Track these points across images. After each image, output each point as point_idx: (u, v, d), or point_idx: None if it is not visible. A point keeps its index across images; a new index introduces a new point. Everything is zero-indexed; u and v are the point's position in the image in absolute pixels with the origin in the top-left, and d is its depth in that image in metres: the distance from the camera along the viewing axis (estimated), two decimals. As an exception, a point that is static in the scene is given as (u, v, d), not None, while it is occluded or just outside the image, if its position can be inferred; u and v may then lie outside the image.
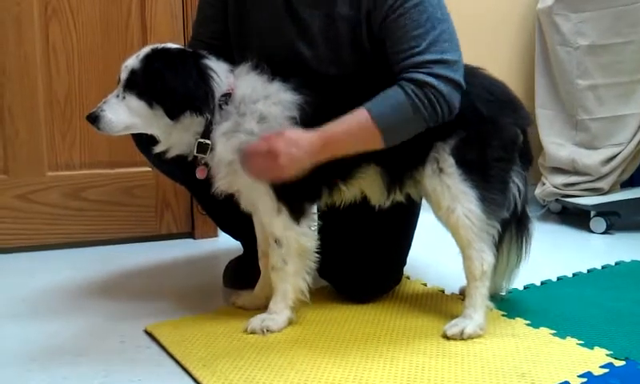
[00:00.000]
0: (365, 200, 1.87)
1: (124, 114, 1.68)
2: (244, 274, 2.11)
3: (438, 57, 1.67)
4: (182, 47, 1.85)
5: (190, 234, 2.87)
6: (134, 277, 2.35)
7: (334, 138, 1.66)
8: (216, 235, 2.86)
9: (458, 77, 1.68)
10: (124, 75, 1.70)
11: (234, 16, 1.91)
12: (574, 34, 3.08)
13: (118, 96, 1.70)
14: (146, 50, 1.73)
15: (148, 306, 1.99)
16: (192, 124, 1.72)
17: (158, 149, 1.78)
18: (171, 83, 1.67)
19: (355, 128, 1.66)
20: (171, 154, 1.78)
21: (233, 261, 2.23)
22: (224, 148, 1.72)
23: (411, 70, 1.67)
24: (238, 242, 2.29)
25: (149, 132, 1.75)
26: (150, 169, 2.69)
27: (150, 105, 1.68)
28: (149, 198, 2.78)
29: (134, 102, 1.68)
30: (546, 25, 3.19)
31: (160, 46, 1.75)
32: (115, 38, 2.67)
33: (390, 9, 1.70)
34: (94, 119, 1.67)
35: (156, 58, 1.70)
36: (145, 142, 1.86)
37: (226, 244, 2.66)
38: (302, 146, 1.64)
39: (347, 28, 1.78)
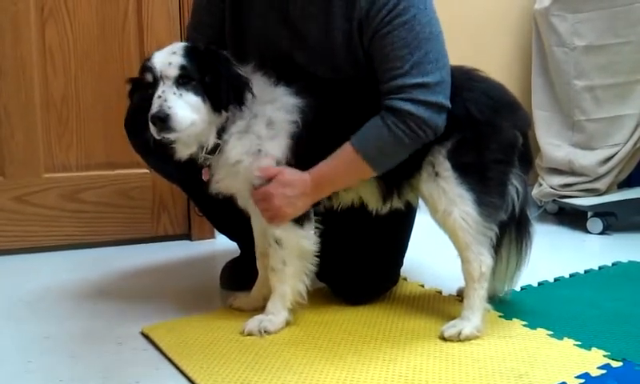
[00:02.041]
0: (362, 203, 1.88)
1: (188, 110, 1.62)
2: (241, 275, 2.11)
3: (419, 80, 1.67)
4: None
5: (187, 236, 2.87)
6: (130, 278, 2.34)
7: (325, 177, 1.74)
8: (213, 237, 2.86)
9: (440, 99, 1.69)
10: (173, 72, 1.62)
11: (230, 22, 1.91)
12: (571, 35, 3.09)
13: (174, 93, 1.62)
14: (179, 46, 1.69)
15: (145, 308, 1.99)
16: (219, 121, 1.71)
17: (184, 151, 1.74)
18: (225, 76, 1.66)
19: (345, 165, 1.73)
20: (186, 155, 1.76)
21: (230, 262, 2.22)
22: (233, 147, 1.72)
23: (392, 96, 1.69)
24: (235, 244, 2.29)
25: (197, 129, 1.67)
26: (147, 170, 2.69)
27: (204, 99, 1.66)
28: (146, 199, 2.78)
29: (191, 97, 1.63)
30: (543, 25, 3.20)
31: (187, 43, 1.72)
32: (112, 40, 2.66)
33: (381, 23, 1.69)
34: (164, 118, 1.57)
35: (199, 53, 1.68)
36: (143, 143, 1.85)
37: (223, 245, 2.66)
38: (296, 187, 1.71)
39: (342, 40, 1.77)
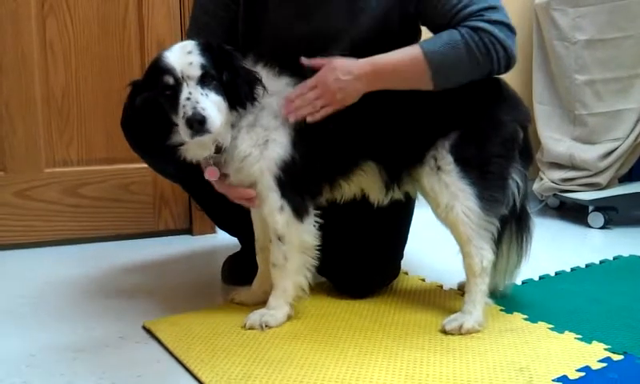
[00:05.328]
0: (362, 197, 1.88)
1: (216, 110, 1.61)
2: (242, 269, 2.11)
3: (487, 4, 1.69)
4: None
5: (188, 231, 2.87)
6: (132, 273, 2.34)
7: (384, 68, 1.70)
8: (214, 231, 2.86)
9: (510, 21, 1.71)
10: (196, 72, 1.59)
11: (244, 23, 1.90)
12: (572, 29, 3.08)
13: (202, 94, 1.59)
14: (192, 44, 1.66)
15: (146, 303, 2.00)
16: (232, 119, 1.70)
17: (199, 153, 1.72)
18: (241, 74, 1.66)
19: (406, 61, 1.70)
20: (201, 157, 1.74)
21: (231, 257, 2.23)
22: (242, 141, 1.71)
23: (465, 21, 1.70)
24: (236, 239, 2.29)
25: (221, 129, 1.66)
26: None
27: (224, 98, 1.65)
28: (146, 194, 2.78)
29: (214, 96, 1.62)
30: (544, 19, 3.19)
31: (200, 40, 1.69)
32: (112, 35, 2.66)
33: None
34: (202, 120, 1.55)
35: (214, 51, 1.66)
36: (142, 141, 1.85)
37: (224, 240, 2.66)
38: (353, 72, 1.68)
39: (372, 23, 1.79)
